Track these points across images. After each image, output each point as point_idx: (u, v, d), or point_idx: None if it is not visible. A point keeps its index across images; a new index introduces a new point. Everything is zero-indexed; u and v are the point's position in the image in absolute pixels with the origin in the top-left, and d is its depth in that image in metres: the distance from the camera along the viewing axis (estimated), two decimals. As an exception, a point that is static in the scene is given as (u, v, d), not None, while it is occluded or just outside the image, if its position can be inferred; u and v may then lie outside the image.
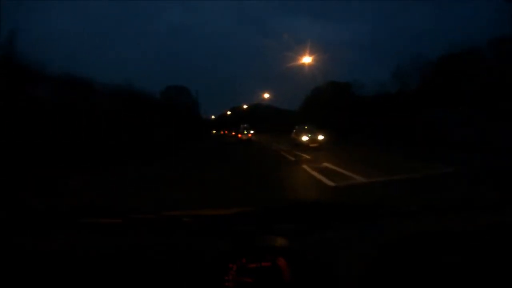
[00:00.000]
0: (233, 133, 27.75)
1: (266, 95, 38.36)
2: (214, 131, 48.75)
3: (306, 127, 15.50)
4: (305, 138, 14.28)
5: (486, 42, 13.54)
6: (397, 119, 15.64)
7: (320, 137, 14.26)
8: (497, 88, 11.06)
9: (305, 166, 7.13)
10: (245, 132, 21.42)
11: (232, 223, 1.04)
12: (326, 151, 11.29)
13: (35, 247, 0.85)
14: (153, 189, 4.73)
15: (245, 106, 47.86)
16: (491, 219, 1.07)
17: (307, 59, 21.26)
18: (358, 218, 1.14)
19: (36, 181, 4.99)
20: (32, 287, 0.72)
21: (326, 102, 24.25)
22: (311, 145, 13.86)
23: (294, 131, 16.36)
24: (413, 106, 15.26)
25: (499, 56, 12.38)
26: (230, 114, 60.40)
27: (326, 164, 7.22)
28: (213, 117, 75.05)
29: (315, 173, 6.07)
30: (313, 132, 14.67)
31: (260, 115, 40.40)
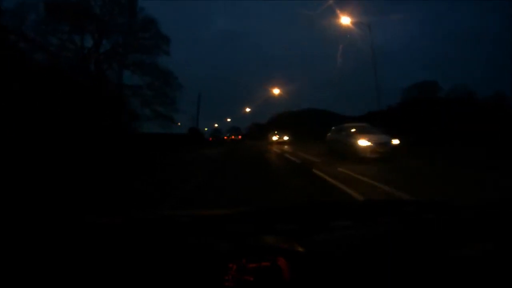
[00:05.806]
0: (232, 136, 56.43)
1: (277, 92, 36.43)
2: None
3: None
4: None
5: None
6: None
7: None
8: None
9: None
10: (235, 136, 49.23)
11: (232, 223, 1.05)
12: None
13: None
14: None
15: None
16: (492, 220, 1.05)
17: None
18: (358, 217, 1.14)
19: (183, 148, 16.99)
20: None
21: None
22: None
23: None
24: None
25: None
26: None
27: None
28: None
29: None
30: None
31: (315, 119, 38.36)
